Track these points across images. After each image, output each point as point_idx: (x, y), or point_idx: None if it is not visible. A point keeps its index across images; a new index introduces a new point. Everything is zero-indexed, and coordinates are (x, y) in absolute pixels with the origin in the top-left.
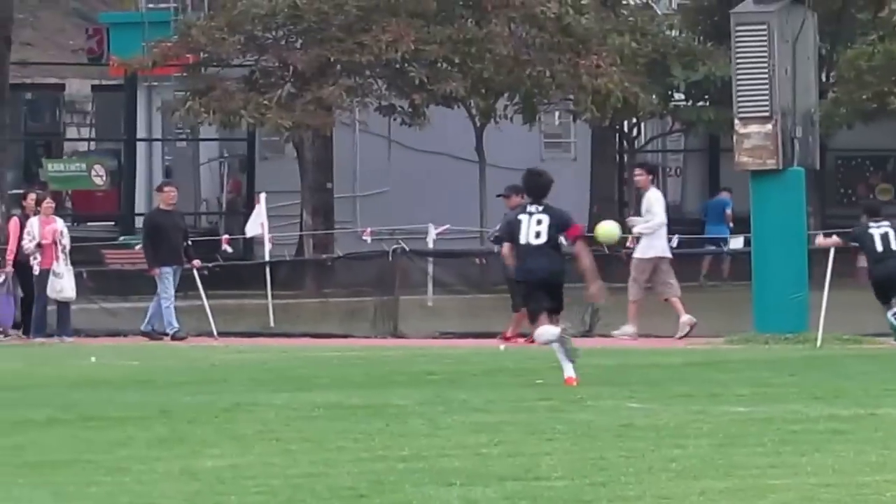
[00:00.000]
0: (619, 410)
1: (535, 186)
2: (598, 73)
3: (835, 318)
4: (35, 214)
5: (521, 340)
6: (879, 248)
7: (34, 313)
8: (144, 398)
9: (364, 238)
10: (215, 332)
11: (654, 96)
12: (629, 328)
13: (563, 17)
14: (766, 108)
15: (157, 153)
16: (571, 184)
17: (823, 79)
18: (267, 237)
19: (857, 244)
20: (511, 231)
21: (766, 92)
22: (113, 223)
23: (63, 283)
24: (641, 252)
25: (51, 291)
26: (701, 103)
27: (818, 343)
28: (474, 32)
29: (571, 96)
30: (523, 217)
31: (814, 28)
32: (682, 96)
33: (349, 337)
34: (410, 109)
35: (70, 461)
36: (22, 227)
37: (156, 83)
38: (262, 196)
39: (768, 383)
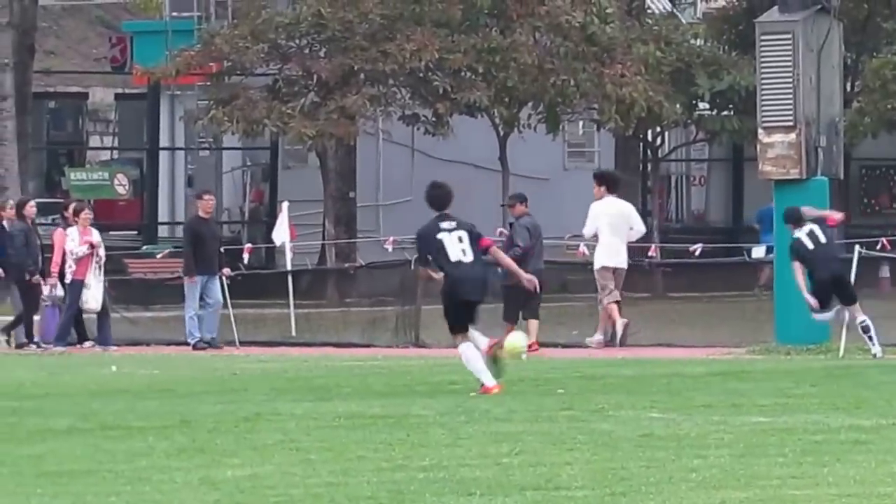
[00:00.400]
0: (639, 420)
1: (439, 198)
2: (623, 82)
3: (857, 329)
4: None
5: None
6: (812, 245)
7: (61, 321)
8: (165, 407)
9: (386, 247)
10: (237, 342)
11: (678, 105)
12: (598, 336)
13: (588, 26)
14: (791, 118)
15: (179, 162)
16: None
17: (848, 88)
18: (289, 246)
19: (798, 259)
20: (431, 249)
21: (791, 101)
22: (136, 232)
23: (88, 295)
24: (595, 263)
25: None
26: (725, 112)
27: (840, 353)
28: (499, 41)
29: (595, 105)
30: (443, 236)
31: (839, 37)
32: (707, 105)
33: (371, 346)
34: (434, 118)
35: (90, 470)
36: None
37: (179, 92)
38: (285, 205)
39: (790, 394)
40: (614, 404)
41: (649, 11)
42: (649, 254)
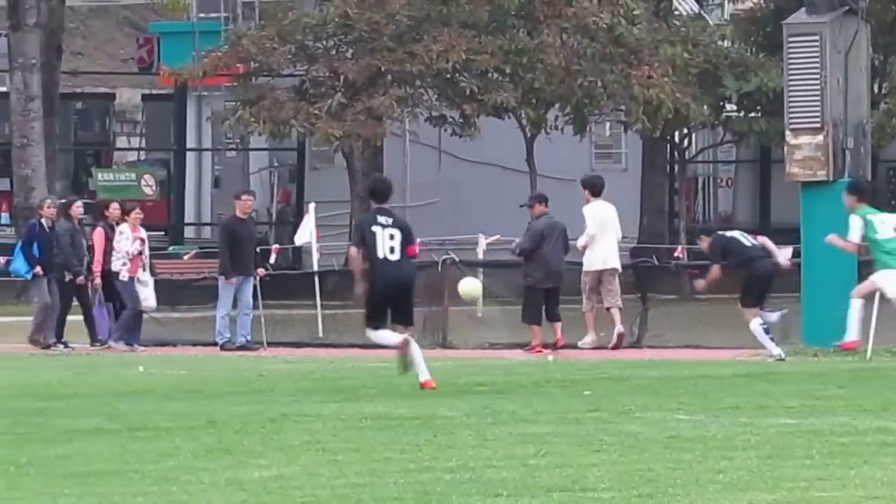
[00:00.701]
0: (666, 422)
1: (381, 191)
2: (650, 83)
3: (884, 331)
4: (115, 223)
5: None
6: (748, 243)
7: (121, 319)
8: (192, 408)
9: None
10: (265, 342)
11: (705, 107)
12: (589, 337)
13: (615, 27)
14: (818, 119)
15: (206, 163)
16: (622, 194)
17: (875, 90)
18: (315, 247)
19: (727, 255)
20: (364, 239)
21: (818, 103)
22: (162, 233)
23: (147, 292)
24: (584, 266)
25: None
26: (753, 114)
27: (867, 355)
28: (526, 43)
29: (623, 107)
30: (377, 230)
31: (866, 39)
32: (734, 107)
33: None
34: (461, 119)
35: (117, 471)
36: (106, 237)
37: (206, 93)
38: (312, 206)
39: (817, 395)
40: (641, 406)
41: (676, 13)
42: (676, 255)
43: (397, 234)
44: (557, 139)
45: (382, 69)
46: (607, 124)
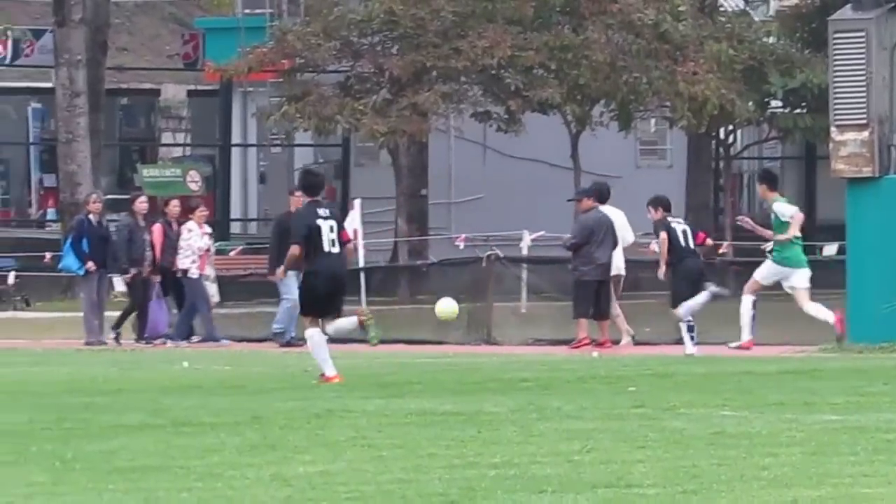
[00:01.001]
0: (711, 418)
1: (315, 185)
2: (695, 79)
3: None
4: (175, 220)
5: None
6: (683, 243)
7: (185, 317)
8: (236, 404)
9: (458, 244)
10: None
11: (750, 103)
12: (625, 338)
13: (661, 23)
14: (863, 116)
15: (251, 159)
16: (666, 191)
17: None
18: (361, 243)
19: (665, 236)
20: (308, 232)
21: (863, 99)
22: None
23: (212, 289)
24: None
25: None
26: (798, 110)
27: None
28: (571, 39)
29: (668, 103)
30: (321, 223)
31: None
32: (779, 103)
33: (442, 343)
34: (506, 116)
35: (162, 466)
36: (164, 233)
37: (251, 89)
38: (357, 202)
39: (862, 392)
40: (686, 402)
41: (722, 9)
42: (721, 251)
43: (335, 226)
44: (602, 135)
45: (427, 65)
46: (652, 120)
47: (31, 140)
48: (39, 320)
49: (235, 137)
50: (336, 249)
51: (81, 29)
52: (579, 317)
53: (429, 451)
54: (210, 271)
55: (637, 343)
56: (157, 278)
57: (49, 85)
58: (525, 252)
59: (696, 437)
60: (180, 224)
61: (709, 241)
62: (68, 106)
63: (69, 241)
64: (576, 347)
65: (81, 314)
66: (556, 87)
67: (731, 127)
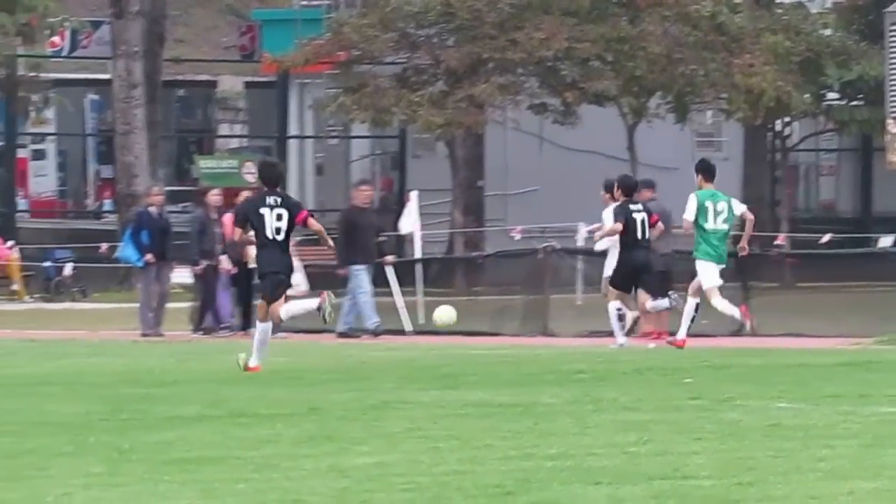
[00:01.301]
0: (767, 410)
1: (271, 175)
2: (752, 71)
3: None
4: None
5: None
6: (638, 234)
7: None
8: (293, 395)
9: (513, 236)
10: (406, 328)
11: (807, 95)
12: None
13: (717, 15)
14: None
15: (308, 150)
16: (723, 183)
17: None
18: (418, 235)
19: (621, 226)
20: (248, 220)
21: None
22: None
23: (298, 277)
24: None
25: None
26: (854, 102)
27: None
28: (627, 31)
29: (724, 95)
30: (265, 211)
31: None
32: (836, 95)
33: (498, 335)
34: (562, 108)
35: (218, 457)
36: (209, 224)
37: (308, 80)
38: (414, 194)
39: None
40: (742, 394)
41: (778, 1)
42: (778, 243)
43: (285, 213)
44: (658, 127)
45: (484, 57)
46: (708, 112)
47: (88, 131)
48: (96, 311)
49: (292, 129)
50: (280, 237)
51: (139, 21)
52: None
53: (485, 442)
54: (295, 262)
55: (694, 335)
56: (233, 269)
57: (106, 76)
58: (581, 243)
59: (752, 428)
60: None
61: (660, 226)
62: (125, 97)
63: (129, 232)
64: (648, 337)
65: (138, 305)
66: (613, 78)
67: (787, 119)
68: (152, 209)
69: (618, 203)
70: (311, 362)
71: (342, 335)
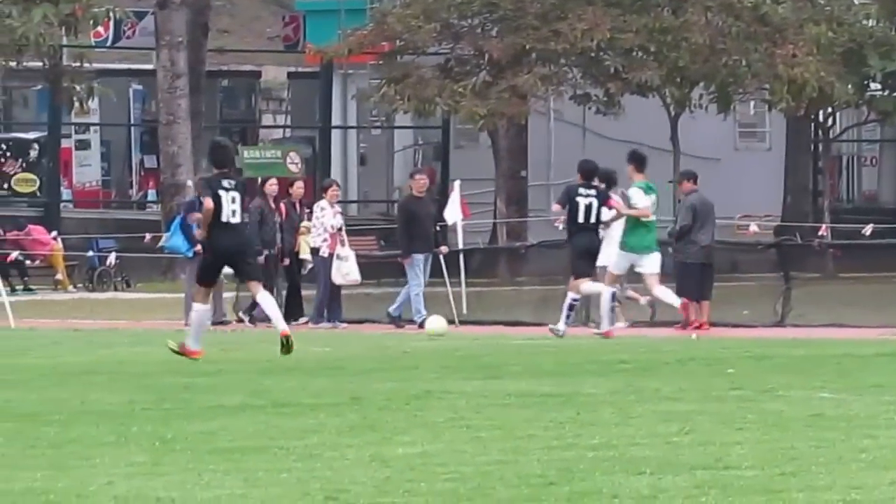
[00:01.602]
0: (810, 400)
1: (221, 157)
2: (794, 62)
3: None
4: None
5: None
6: (581, 218)
7: (320, 298)
8: (336, 385)
9: (557, 226)
10: (457, 320)
11: (849, 86)
12: (620, 322)
13: (760, 5)
14: None
15: (351, 141)
16: (765, 173)
17: None
18: (460, 225)
19: (566, 203)
20: (216, 196)
21: None
22: (308, 211)
23: (350, 267)
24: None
25: (336, 276)
26: None
27: None
28: (670, 21)
29: (767, 85)
30: (223, 193)
31: None
32: (878, 86)
33: (541, 325)
34: (605, 98)
35: (261, 447)
36: (287, 214)
37: (351, 71)
38: (457, 184)
39: None
40: (784, 384)
41: None
42: (820, 234)
43: (237, 197)
44: (701, 118)
45: (527, 47)
46: (751, 103)
47: (132, 122)
48: (140, 301)
49: (335, 119)
50: (236, 220)
51: (182, 11)
52: (685, 298)
53: (527, 432)
54: (344, 251)
55: (736, 326)
56: (286, 262)
57: (150, 67)
58: None
59: (794, 419)
60: (302, 205)
61: (615, 211)
62: (169, 88)
63: (178, 221)
64: (689, 327)
65: (183, 295)
66: (656, 69)
67: (830, 109)
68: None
69: (571, 185)
70: (353, 352)
71: (392, 319)
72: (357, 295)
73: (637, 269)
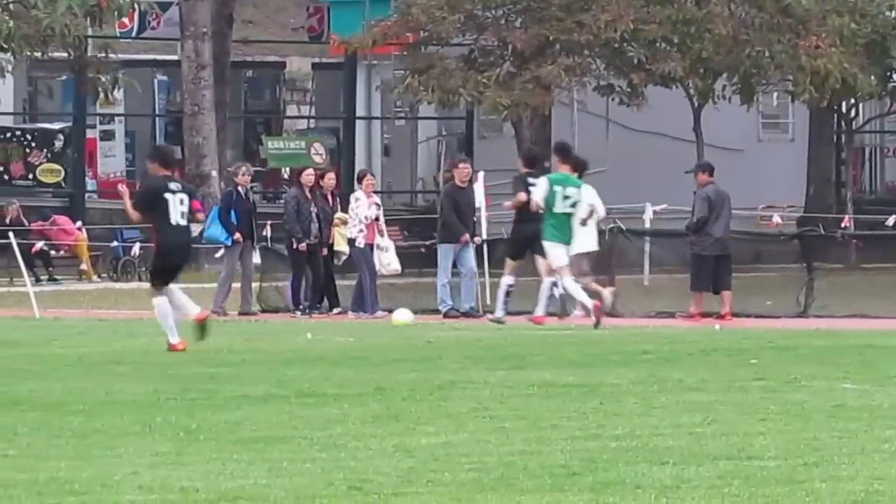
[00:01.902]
0: (832, 391)
1: (166, 159)
2: (817, 53)
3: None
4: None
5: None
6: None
7: (365, 288)
8: (360, 375)
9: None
10: (481, 309)
11: (872, 77)
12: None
13: None
14: None
15: (375, 132)
16: (788, 164)
17: None
18: (484, 216)
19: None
20: (152, 203)
21: None
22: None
23: (389, 257)
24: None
25: (377, 266)
26: None
27: None
28: (693, 12)
29: (790, 77)
30: (169, 196)
31: None
32: None
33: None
34: (629, 89)
35: (285, 437)
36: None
37: (375, 62)
38: (480, 174)
39: None
40: (807, 375)
41: None
42: (843, 225)
43: (185, 199)
44: (724, 109)
45: (551, 38)
46: (774, 94)
47: (156, 112)
48: None
49: (360, 110)
50: (184, 222)
51: (207, 1)
52: (697, 291)
53: (551, 422)
54: (384, 241)
55: (758, 316)
56: (324, 252)
57: (175, 57)
58: (648, 225)
59: (817, 409)
60: (334, 196)
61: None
62: (194, 78)
63: (216, 211)
64: (684, 318)
65: (215, 284)
66: (679, 60)
67: (853, 101)
68: (240, 188)
69: (518, 176)
70: (377, 342)
71: (465, 315)
72: (380, 285)
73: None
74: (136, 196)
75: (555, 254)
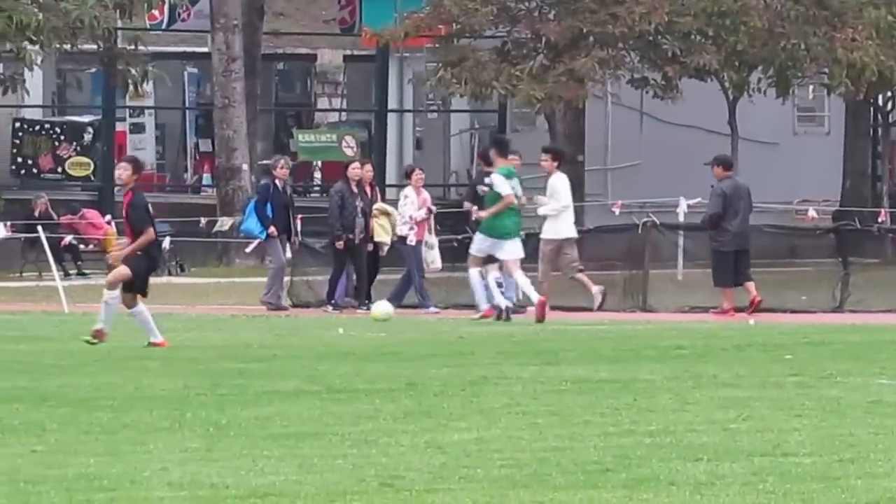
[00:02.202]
0: (868, 387)
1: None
2: (854, 46)
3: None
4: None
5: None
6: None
7: (415, 285)
8: (391, 370)
9: (614, 211)
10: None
11: None
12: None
13: None
14: None
15: (407, 124)
16: (824, 158)
17: None
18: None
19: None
20: (150, 216)
21: None
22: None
23: (434, 254)
24: (546, 234)
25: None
26: None
27: None
28: (729, 5)
29: (826, 70)
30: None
31: None
32: None
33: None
34: (663, 82)
35: (316, 433)
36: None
37: (407, 54)
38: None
39: None
40: (842, 370)
41: None
42: (879, 219)
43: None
44: (760, 102)
45: (585, 31)
46: (810, 87)
47: (187, 105)
48: (194, 286)
49: (391, 103)
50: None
51: None
52: (722, 286)
53: (584, 418)
54: (431, 238)
55: (794, 311)
56: (369, 247)
57: (205, 50)
58: (681, 219)
59: (852, 405)
60: (373, 187)
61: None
62: (224, 71)
63: (253, 204)
64: (722, 314)
65: (265, 279)
66: (714, 53)
67: (889, 94)
68: (277, 182)
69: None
70: (408, 338)
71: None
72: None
73: (497, 254)
74: (141, 216)
75: (479, 246)
